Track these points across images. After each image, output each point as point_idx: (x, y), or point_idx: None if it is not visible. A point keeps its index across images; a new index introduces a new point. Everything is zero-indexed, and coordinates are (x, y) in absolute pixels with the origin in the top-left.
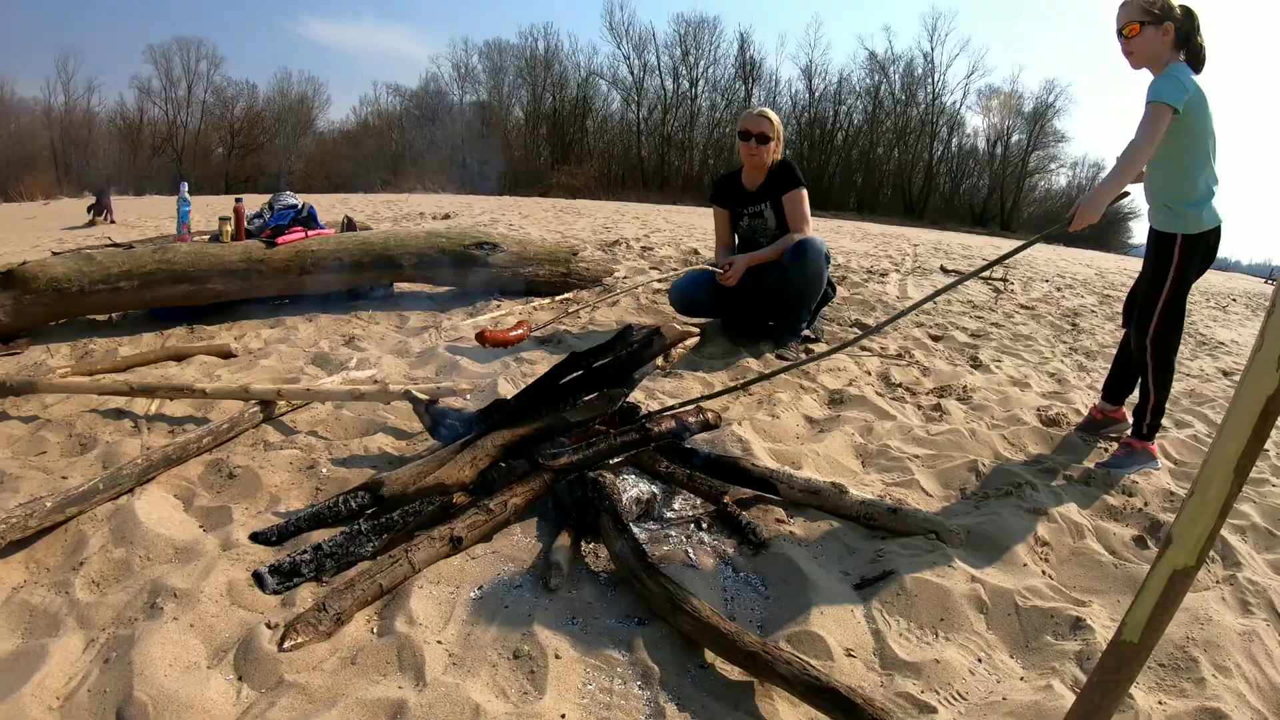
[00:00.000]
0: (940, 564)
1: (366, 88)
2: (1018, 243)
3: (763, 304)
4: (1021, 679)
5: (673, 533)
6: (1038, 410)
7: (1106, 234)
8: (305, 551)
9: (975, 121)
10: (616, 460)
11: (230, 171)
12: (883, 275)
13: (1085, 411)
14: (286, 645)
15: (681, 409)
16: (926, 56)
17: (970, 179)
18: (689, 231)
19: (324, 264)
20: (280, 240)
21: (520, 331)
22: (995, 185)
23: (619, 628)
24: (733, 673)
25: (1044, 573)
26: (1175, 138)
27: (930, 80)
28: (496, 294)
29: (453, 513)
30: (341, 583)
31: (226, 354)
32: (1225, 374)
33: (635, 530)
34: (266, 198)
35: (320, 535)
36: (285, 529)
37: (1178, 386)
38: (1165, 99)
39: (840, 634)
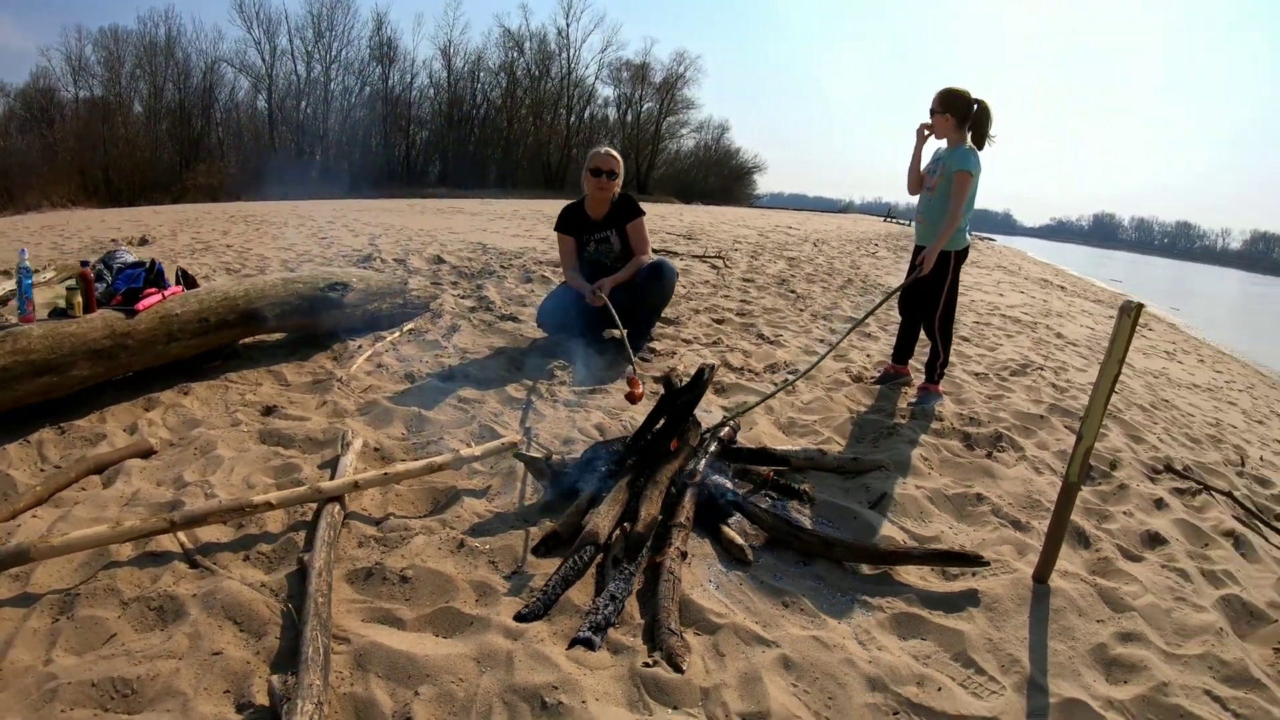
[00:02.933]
0: (898, 483)
1: None
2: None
3: (622, 318)
4: (973, 531)
5: (762, 504)
6: (845, 370)
7: (736, 189)
8: (605, 604)
9: (607, 92)
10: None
11: None
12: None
13: (869, 369)
14: (684, 667)
15: (723, 422)
16: (561, 32)
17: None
18: (410, 237)
19: (190, 328)
20: (139, 306)
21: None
22: (628, 151)
23: (800, 567)
24: (866, 570)
25: (939, 474)
26: None
27: (565, 55)
28: (342, 334)
29: (659, 535)
30: (634, 616)
31: (147, 452)
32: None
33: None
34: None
35: (575, 593)
36: (549, 599)
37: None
38: (969, 168)
39: (888, 531)
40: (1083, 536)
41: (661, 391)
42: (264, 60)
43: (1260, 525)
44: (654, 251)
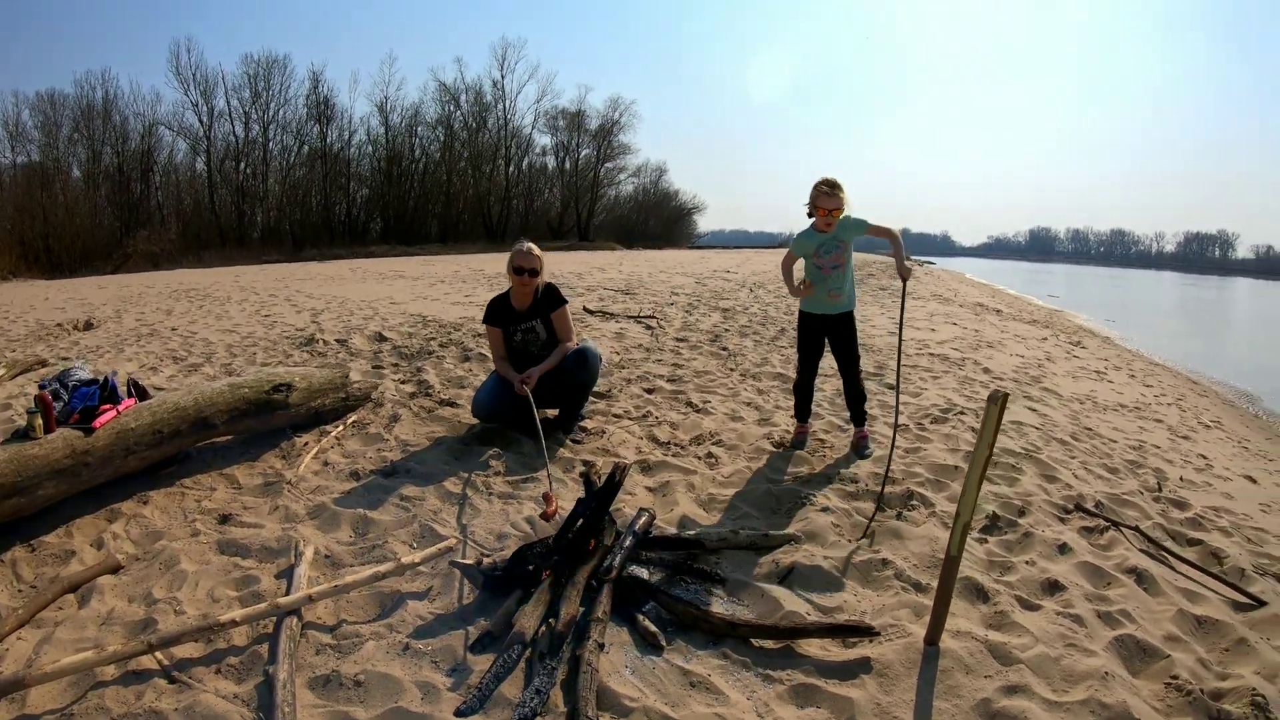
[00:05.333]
0: (807, 555)
1: None
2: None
3: (550, 403)
4: (877, 596)
5: (678, 591)
6: (766, 438)
7: (677, 231)
8: (531, 697)
9: (545, 141)
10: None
11: None
12: None
13: (792, 432)
14: None
15: (639, 515)
16: (496, 84)
17: (543, 196)
18: (352, 311)
19: (145, 440)
20: (96, 424)
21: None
22: (569, 199)
23: (710, 649)
24: (770, 645)
25: (848, 540)
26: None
27: (501, 106)
28: (289, 431)
29: (580, 629)
30: (558, 705)
31: (115, 568)
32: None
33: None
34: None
35: (507, 687)
36: (483, 694)
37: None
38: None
39: (794, 605)
40: (981, 591)
41: (582, 490)
42: (201, 122)
43: (1167, 555)
44: (589, 312)
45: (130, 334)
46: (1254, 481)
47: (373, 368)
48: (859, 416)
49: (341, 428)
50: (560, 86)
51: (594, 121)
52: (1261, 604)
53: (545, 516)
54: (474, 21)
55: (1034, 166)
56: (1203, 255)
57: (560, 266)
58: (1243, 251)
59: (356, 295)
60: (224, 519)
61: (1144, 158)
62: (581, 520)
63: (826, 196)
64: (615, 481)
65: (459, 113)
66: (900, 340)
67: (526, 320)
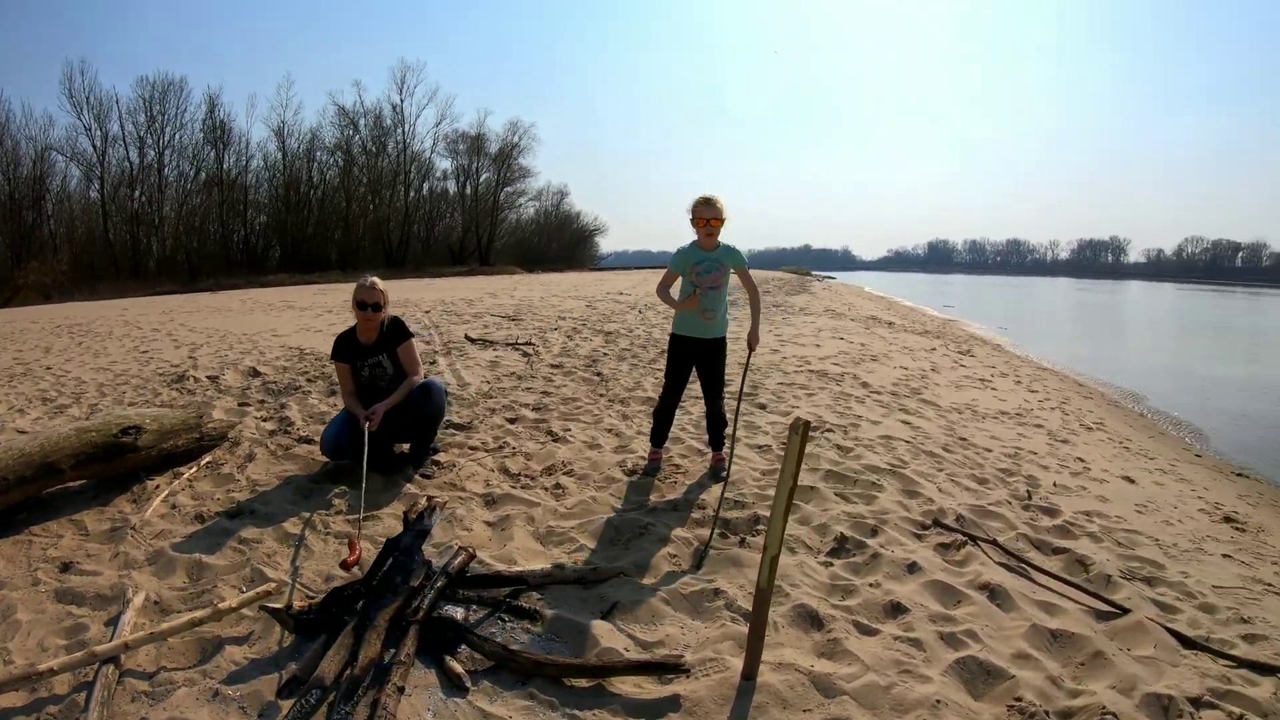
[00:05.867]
0: (633, 587)
1: None
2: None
3: (400, 437)
4: (704, 628)
5: (493, 629)
6: (619, 465)
7: (579, 253)
8: None
9: (445, 165)
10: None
11: None
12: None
13: (646, 458)
14: None
15: (456, 553)
16: (396, 108)
17: (444, 221)
18: (232, 345)
19: None
20: None
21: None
22: (470, 224)
23: (518, 689)
24: (583, 684)
25: (682, 569)
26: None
27: (401, 130)
28: (143, 474)
29: (381, 671)
30: None
31: None
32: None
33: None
34: None
35: None
36: None
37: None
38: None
39: (614, 640)
40: (816, 618)
41: (402, 525)
42: (95, 147)
43: (1027, 567)
44: (469, 340)
45: (3, 374)
46: (1132, 482)
47: (239, 405)
48: (717, 441)
49: (195, 469)
50: (460, 110)
51: (494, 145)
52: (1125, 611)
53: (345, 565)
54: (374, 45)
55: (936, 188)
56: (1096, 261)
57: (454, 293)
58: (1134, 255)
59: (240, 328)
60: (65, 567)
61: (1040, 172)
62: (391, 561)
63: (705, 206)
64: (424, 522)
65: (358, 137)
66: (739, 408)
67: (373, 355)
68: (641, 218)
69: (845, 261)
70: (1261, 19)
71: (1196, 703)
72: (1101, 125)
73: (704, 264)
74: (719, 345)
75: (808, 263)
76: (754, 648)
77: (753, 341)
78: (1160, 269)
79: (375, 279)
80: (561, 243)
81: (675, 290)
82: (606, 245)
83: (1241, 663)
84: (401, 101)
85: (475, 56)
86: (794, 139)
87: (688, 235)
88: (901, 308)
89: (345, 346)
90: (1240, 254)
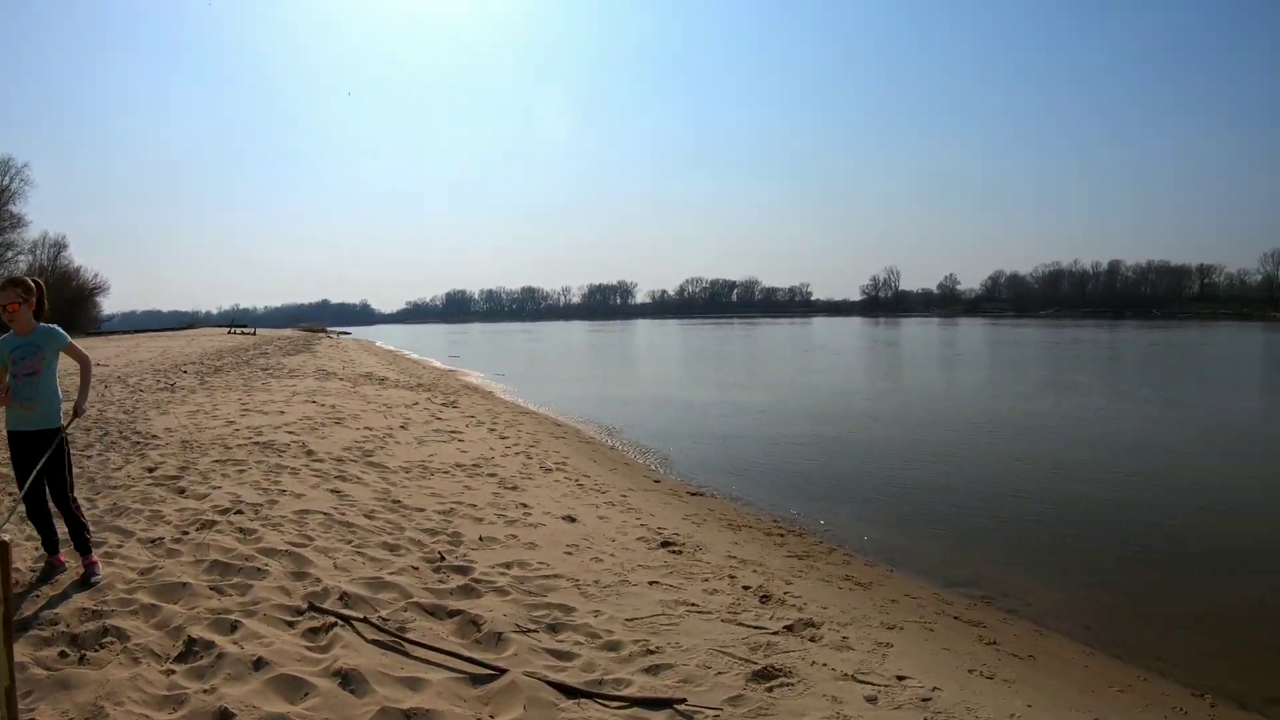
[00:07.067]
0: None
1: None
2: None
3: None
4: None
5: None
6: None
7: (77, 315)
8: None
9: None
10: None
11: None
12: None
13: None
14: None
15: None
16: None
17: None
18: None
19: None
20: None
21: None
22: None
23: None
24: None
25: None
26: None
27: None
28: None
29: None
30: None
31: None
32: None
33: None
34: None
35: None
36: None
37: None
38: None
39: None
40: None
41: None
42: None
43: (401, 642)
44: None
45: None
46: (573, 520)
47: None
48: (82, 545)
49: None
50: None
51: None
52: (502, 672)
53: None
54: None
55: (451, 229)
56: (605, 304)
57: None
58: (641, 297)
59: None
60: None
61: (553, 228)
62: None
63: (3, 292)
64: None
65: None
66: (30, 483)
67: None
68: (157, 279)
69: (365, 316)
70: None
71: None
72: (601, 187)
73: (20, 350)
74: (46, 438)
75: (327, 318)
76: None
77: (79, 409)
78: (664, 308)
79: None
80: (58, 303)
81: (5, 383)
82: (111, 306)
83: (633, 702)
84: None
85: None
86: (306, 196)
87: (196, 296)
88: (406, 361)
89: None
90: (735, 290)
